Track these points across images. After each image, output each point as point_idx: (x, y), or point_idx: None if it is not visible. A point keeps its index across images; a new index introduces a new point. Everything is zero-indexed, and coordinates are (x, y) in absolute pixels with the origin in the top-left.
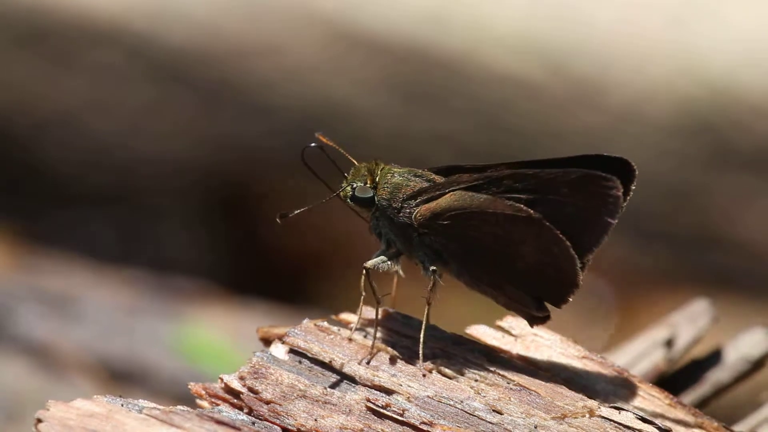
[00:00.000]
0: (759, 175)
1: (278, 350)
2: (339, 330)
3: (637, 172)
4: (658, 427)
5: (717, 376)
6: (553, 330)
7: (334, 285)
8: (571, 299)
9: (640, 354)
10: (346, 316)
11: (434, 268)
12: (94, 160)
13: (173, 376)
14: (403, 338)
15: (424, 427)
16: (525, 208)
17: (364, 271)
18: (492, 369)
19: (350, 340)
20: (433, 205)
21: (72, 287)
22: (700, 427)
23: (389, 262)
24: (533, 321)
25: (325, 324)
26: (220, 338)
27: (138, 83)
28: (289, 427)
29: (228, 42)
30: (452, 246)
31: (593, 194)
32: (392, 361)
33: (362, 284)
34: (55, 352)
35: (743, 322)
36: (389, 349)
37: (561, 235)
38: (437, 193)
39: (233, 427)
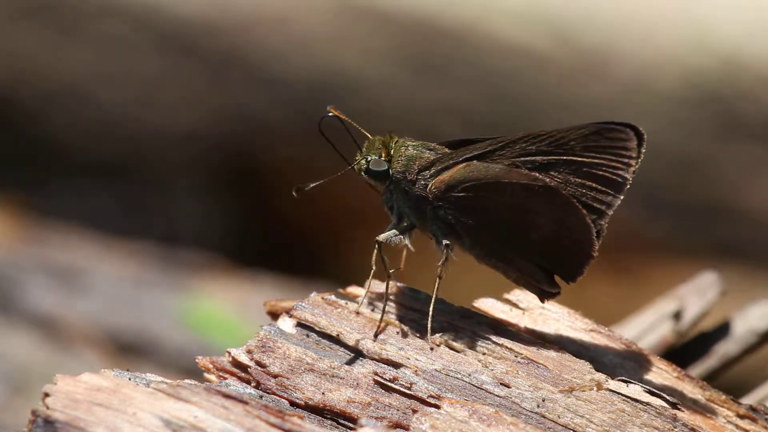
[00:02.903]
0: (766, 146)
1: (286, 324)
2: (347, 303)
3: (645, 137)
4: (666, 400)
5: (725, 348)
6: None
7: (343, 258)
8: (584, 272)
9: (648, 327)
10: (353, 289)
11: (447, 242)
12: (101, 131)
13: (180, 349)
14: (410, 312)
15: (432, 401)
16: (541, 177)
17: (376, 245)
18: (500, 342)
19: (358, 313)
20: (447, 176)
21: (79, 260)
22: (708, 399)
23: (401, 236)
24: (544, 296)
25: (333, 297)
26: (228, 311)
27: (145, 54)
28: (297, 401)
29: (235, 13)
30: (466, 218)
31: (607, 148)
32: (400, 334)
33: (374, 258)
34: (62, 325)
35: (751, 294)
36: (397, 322)
37: (577, 204)
38: (451, 163)
39: (241, 401)
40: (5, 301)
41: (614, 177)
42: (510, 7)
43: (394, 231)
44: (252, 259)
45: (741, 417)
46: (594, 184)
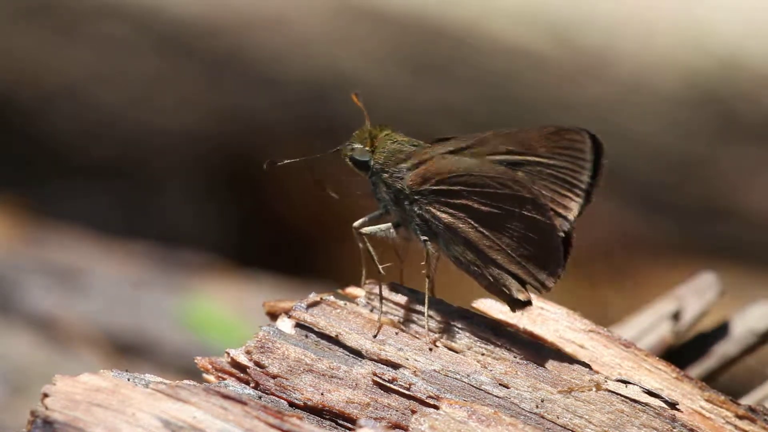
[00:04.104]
0: (765, 147)
1: (285, 324)
2: (345, 304)
3: (604, 148)
4: (665, 400)
5: (724, 349)
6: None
7: (341, 259)
8: (555, 281)
9: (646, 327)
10: (352, 290)
11: (425, 238)
12: (100, 132)
13: (179, 349)
14: (410, 312)
15: (431, 401)
16: (510, 171)
17: (355, 233)
18: (499, 343)
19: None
20: (422, 169)
21: (78, 260)
22: (707, 400)
23: (388, 230)
24: (515, 305)
25: (332, 298)
26: (227, 312)
27: (144, 55)
28: (296, 402)
29: (234, 14)
30: (440, 214)
31: (565, 149)
32: (399, 335)
33: (365, 248)
34: (61, 326)
35: (750, 294)
36: (396, 323)
37: (544, 201)
38: (426, 157)
39: (240, 402)
40: (4, 302)
41: (573, 180)
42: (510, 7)
43: (379, 226)
44: (251, 259)
45: (740, 417)
46: (555, 187)
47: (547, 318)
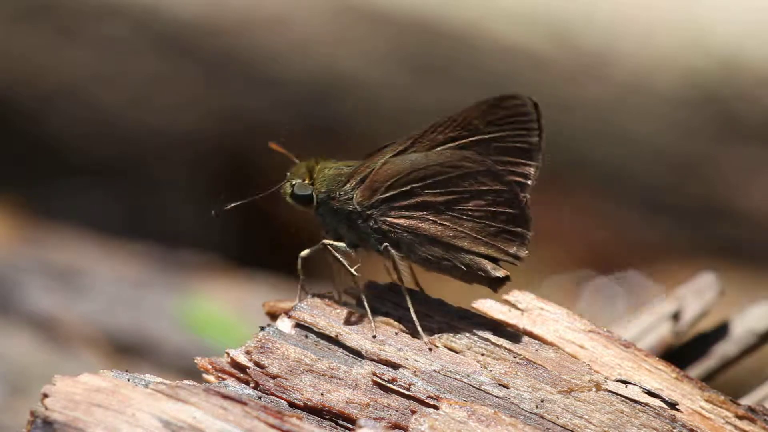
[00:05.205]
0: (765, 147)
1: (284, 324)
2: (345, 304)
3: (539, 107)
4: (665, 401)
5: (724, 349)
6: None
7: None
8: (526, 249)
9: (646, 328)
10: (352, 290)
11: (386, 244)
12: (99, 132)
13: (179, 349)
14: (409, 312)
15: (431, 401)
16: (457, 150)
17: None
18: (498, 343)
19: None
20: (368, 182)
21: (78, 260)
22: (706, 400)
23: (347, 249)
24: (495, 284)
25: (332, 298)
26: (226, 312)
27: (144, 56)
28: (296, 402)
29: (234, 14)
30: (397, 221)
31: (507, 118)
32: (399, 335)
33: (334, 258)
34: (60, 326)
35: (750, 294)
36: (395, 323)
37: (497, 168)
38: (368, 170)
39: (239, 402)
40: (4, 302)
41: (523, 145)
42: (510, 8)
43: (340, 243)
44: (250, 259)
45: (740, 418)
46: (507, 158)
47: (547, 318)
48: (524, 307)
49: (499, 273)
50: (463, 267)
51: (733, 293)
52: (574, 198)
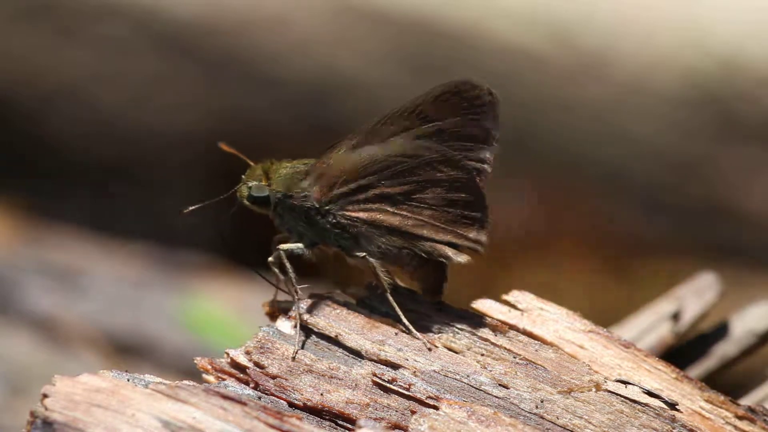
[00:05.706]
0: (765, 147)
1: (284, 325)
2: (345, 304)
3: (496, 94)
4: (665, 401)
5: (723, 349)
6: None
7: (341, 259)
8: (486, 234)
9: (646, 328)
10: (352, 290)
11: (364, 254)
12: (99, 132)
13: (179, 349)
14: (409, 313)
15: (431, 402)
16: (413, 140)
17: (276, 254)
18: (498, 343)
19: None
20: (325, 178)
21: (77, 261)
22: (706, 400)
23: (303, 249)
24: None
25: (331, 299)
26: (226, 312)
27: (143, 56)
28: (296, 402)
29: (234, 14)
30: (356, 214)
31: (459, 104)
32: (398, 335)
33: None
34: (60, 326)
35: (750, 295)
36: (395, 323)
37: (452, 152)
38: (325, 166)
39: (239, 402)
40: (4, 302)
41: (477, 129)
42: (510, 8)
43: (296, 245)
44: (251, 259)
45: (739, 418)
46: (462, 144)
47: (546, 318)
48: (524, 307)
49: (461, 258)
50: (423, 255)
51: (733, 293)
52: (574, 198)
